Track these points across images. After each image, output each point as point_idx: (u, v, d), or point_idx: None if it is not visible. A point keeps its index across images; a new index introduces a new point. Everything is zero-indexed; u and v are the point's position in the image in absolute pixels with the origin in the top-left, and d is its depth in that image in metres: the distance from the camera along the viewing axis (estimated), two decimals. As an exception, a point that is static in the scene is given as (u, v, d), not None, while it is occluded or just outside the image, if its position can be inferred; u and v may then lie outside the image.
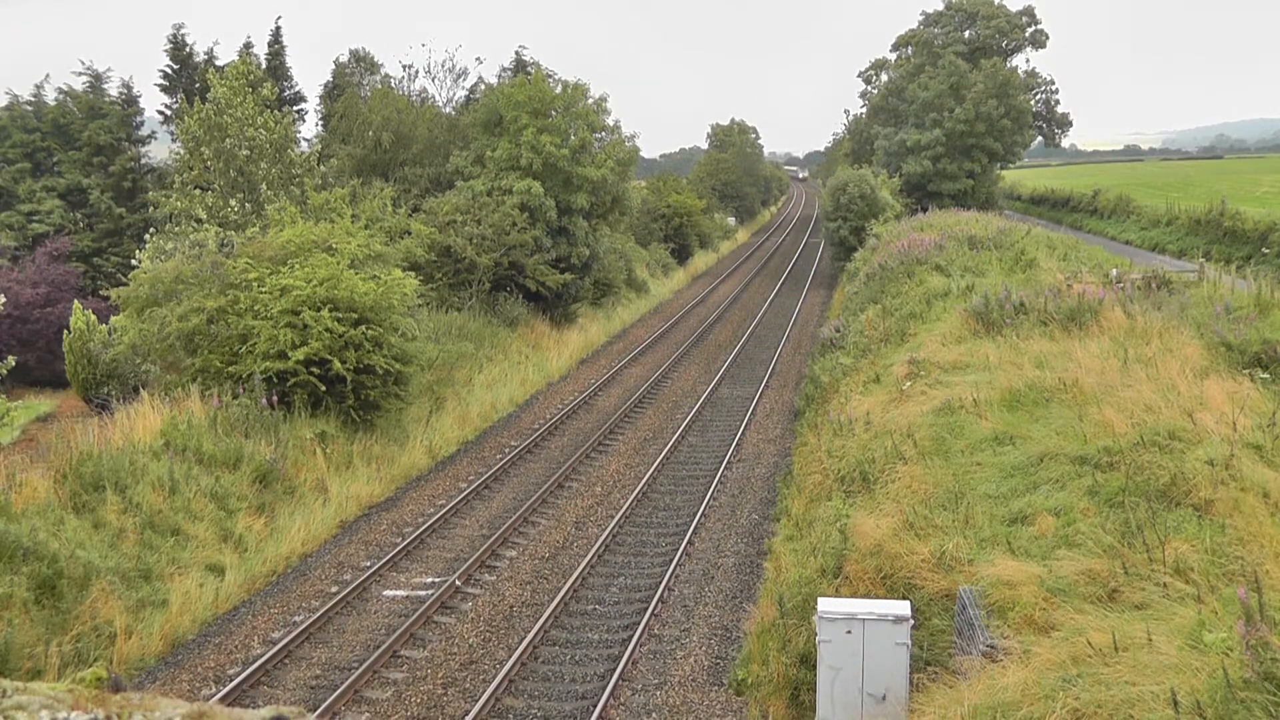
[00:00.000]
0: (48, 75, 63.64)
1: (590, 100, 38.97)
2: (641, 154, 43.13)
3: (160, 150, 44.93)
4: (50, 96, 44.76)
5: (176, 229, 31.02)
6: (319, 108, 49.71)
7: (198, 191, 33.21)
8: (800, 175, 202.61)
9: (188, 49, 46.07)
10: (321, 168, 36.41)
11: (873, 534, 12.15)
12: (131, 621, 14.00)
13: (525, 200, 36.03)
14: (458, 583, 16.52)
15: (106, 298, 25.84)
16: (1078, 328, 18.64)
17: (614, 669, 13.69)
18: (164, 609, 14.62)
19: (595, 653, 14.41)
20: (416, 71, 63.79)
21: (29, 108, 44.16)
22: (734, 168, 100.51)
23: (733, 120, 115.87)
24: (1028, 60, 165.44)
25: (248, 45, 43.88)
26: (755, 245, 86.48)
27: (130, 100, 45.65)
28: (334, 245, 23.73)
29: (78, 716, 3.68)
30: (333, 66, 49.63)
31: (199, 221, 31.41)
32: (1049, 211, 73.52)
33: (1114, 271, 25.36)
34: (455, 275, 33.93)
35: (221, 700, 12.65)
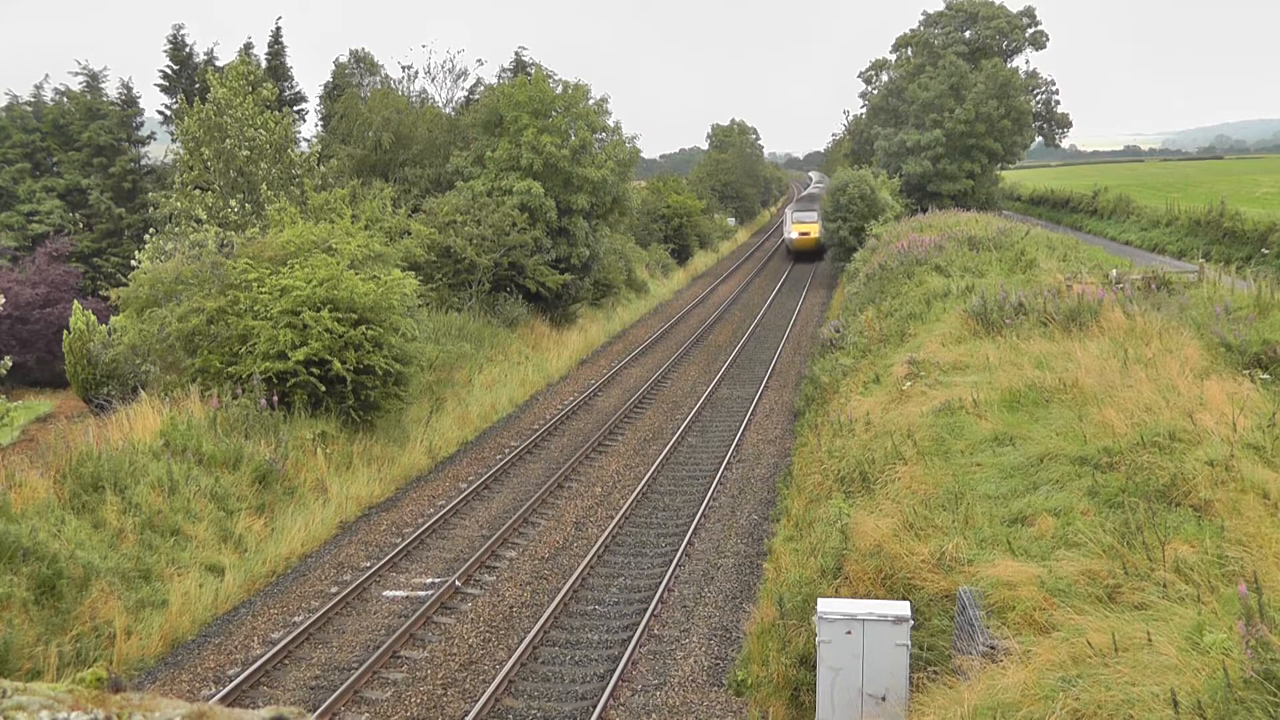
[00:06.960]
0: (47, 75, 63.86)
1: (591, 101, 38.97)
2: (642, 154, 43.16)
3: (160, 150, 44.90)
4: (49, 97, 44.77)
5: (176, 229, 31.00)
6: (319, 108, 49.71)
7: (197, 192, 33.18)
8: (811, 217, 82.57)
9: (187, 49, 46.04)
10: (321, 168, 36.37)
11: (873, 534, 12.14)
12: (131, 622, 14.01)
13: (525, 201, 36.04)
14: (457, 583, 16.52)
15: (106, 298, 25.85)
16: (1077, 328, 18.63)
17: (614, 669, 13.69)
18: (163, 609, 14.62)
19: (595, 653, 14.41)
20: (416, 72, 63.82)
21: (29, 108, 44.14)
22: (734, 168, 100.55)
23: (733, 121, 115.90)
24: (1028, 61, 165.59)
25: (248, 46, 43.89)
26: (755, 245, 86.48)
27: (130, 100, 45.64)
28: (334, 246, 23.73)
29: (78, 716, 3.68)
30: (333, 67, 49.61)
31: (199, 222, 31.38)
32: (1049, 212, 73.43)
33: (1114, 272, 25.35)
34: (455, 276, 33.94)
35: (221, 701, 12.65)
